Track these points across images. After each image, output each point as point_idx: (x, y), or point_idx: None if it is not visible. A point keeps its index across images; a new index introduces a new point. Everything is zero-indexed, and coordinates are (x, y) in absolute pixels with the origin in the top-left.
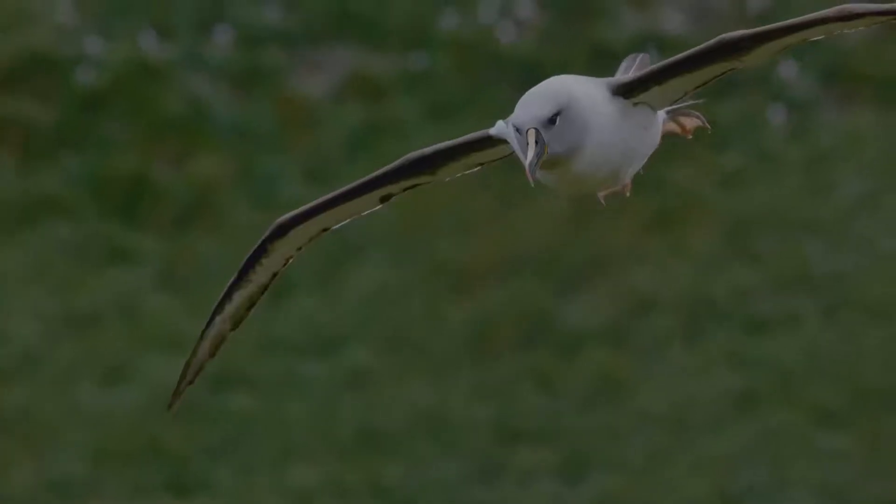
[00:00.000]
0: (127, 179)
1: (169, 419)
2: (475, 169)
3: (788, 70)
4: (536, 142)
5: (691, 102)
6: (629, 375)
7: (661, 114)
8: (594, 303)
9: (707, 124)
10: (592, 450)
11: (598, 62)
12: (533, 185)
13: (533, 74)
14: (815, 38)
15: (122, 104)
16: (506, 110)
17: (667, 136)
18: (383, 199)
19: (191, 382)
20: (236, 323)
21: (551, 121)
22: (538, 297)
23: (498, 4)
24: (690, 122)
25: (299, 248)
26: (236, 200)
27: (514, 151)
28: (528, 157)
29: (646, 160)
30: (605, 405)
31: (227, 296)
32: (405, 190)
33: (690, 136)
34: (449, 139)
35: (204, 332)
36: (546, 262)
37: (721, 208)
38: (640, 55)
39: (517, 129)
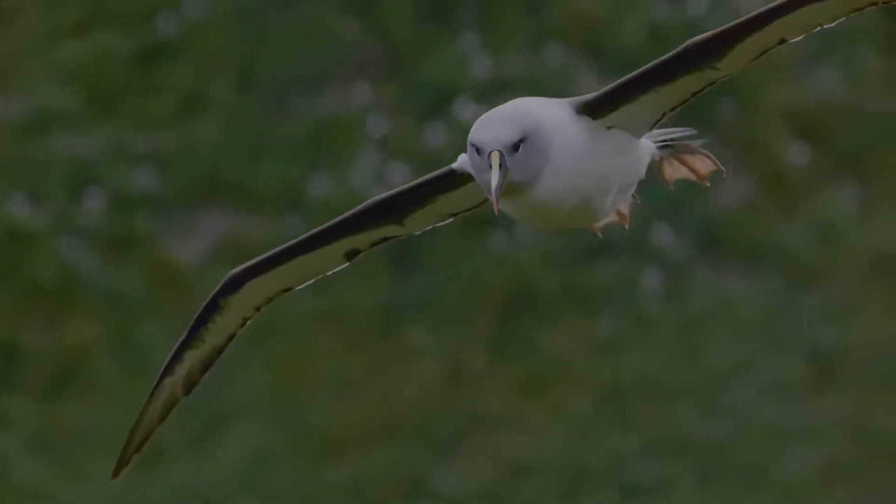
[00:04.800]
0: None
1: None
2: (447, 220)
3: (663, 234)
4: (500, 165)
5: (681, 134)
6: None
7: (648, 143)
8: (469, 467)
9: (720, 166)
10: None
11: (474, 229)
12: (497, 214)
13: (408, 240)
14: (794, 39)
15: None
16: (378, 276)
17: (681, 182)
18: (349, 256)
19: (138, 450)
20: (189, 387)
21: (515, 147)
22: (413, 462)
23: (371, 168)
24: (704, 167)
25: (258, 309)
26: (108, 366)
27: (485, 193)
28: (494, 182)
29: (630, 191)
30: None
31: (177, 355)
32: (373, 245)
33: (708, 184)
34: (325, 305)
35: (152, 393)
36: (421, 426)
37: (596, 373)
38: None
39: (477, 150)
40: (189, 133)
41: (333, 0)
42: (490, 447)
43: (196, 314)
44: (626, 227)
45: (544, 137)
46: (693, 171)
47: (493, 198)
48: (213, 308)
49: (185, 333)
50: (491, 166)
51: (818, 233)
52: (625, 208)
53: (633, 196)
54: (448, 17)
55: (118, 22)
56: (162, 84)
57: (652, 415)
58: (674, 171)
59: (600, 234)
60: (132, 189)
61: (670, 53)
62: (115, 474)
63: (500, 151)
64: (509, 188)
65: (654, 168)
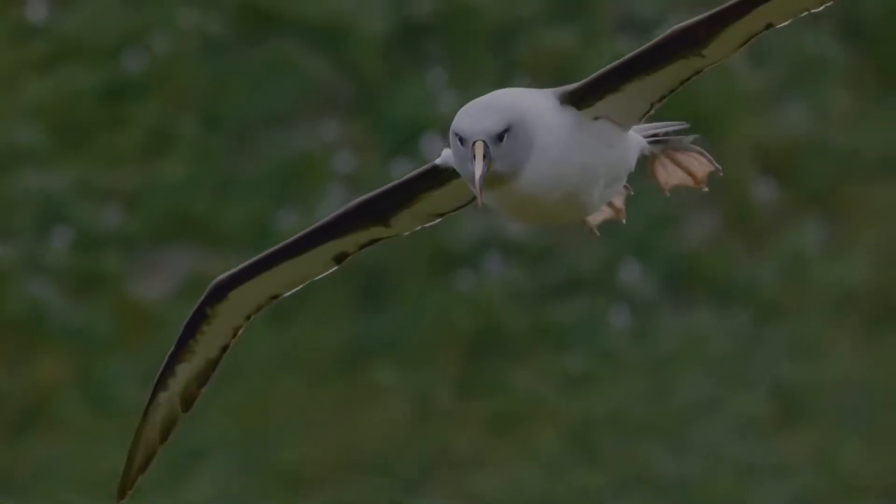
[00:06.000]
0: None
1: None
2: (435, 221)
3: (630, 271)
4: (484, 156)
5: (672, 127)
6: None
7: (637, 137)
8: None
9: (717, 165)
10: None
11: (440, 267)
12: (480, 206)
13: (374, 278)
14: (781, 24)
15: None
16: (344, 314)
17: (679, 189)
18: (338, 259)
19: (142, 470)
20: (188, 403)
21: (499, 137)
22: (382, 501)
23: (338, 205)
24: (699, 169)
25: (248, 317)
26: (75, 404)
27: (468, 177)
28: (477, 172)
29: (619, 184)
30: None
31: (169, 369)
32: (361, 247)
33: (706, 188)
34: (290, 344)
35: (147, 410)
36: (388, 465)
37: (564, 410)
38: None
39: (461, 140)
40: (156, 170)
41: (300, 36)
42: (459, 485)
43: (183, 324)
44: (624, 220)
45: (529, 128)
46: (689, 173)
47: (476, 189)
48: (200, 318)
49: (174, 345)
50: (474, 156)
51: (785, 269)
52: (619, 202)
53: (625, 187)
54: (415, 54)
55: (84, 58)
56: (128, 121)
57: (621, 452)
58: (669, 177)
59: (597, 233)
60: (99, 226)
61: (655, 40)
62: (121, 496)
63: (483, 142)
64: (493, 179)
65: (649, 169)
